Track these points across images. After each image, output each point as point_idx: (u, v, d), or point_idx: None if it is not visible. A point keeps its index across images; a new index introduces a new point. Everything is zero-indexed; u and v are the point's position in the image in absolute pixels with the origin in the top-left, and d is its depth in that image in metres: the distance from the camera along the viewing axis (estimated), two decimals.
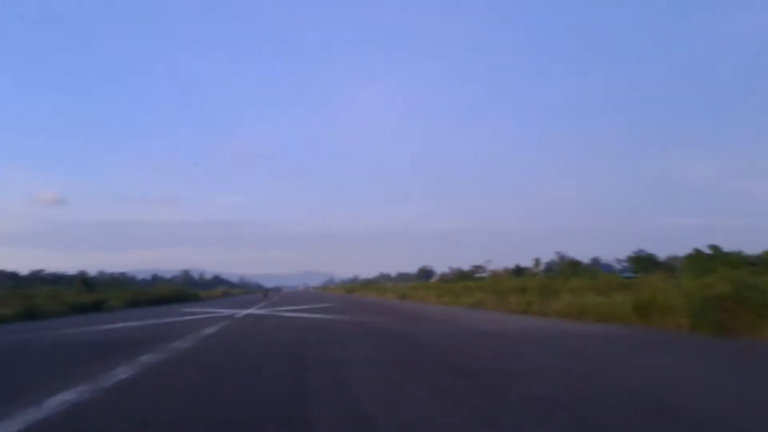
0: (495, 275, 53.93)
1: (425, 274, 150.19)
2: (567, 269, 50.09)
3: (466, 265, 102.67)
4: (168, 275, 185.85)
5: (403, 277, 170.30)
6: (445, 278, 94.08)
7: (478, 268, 79.95)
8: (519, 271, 66.35)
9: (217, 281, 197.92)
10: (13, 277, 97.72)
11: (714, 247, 23.04)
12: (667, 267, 28.58)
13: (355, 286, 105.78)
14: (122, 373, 6.73)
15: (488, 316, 17.31)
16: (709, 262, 24.33)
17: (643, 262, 38.08)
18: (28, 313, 23.35)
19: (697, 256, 23.15)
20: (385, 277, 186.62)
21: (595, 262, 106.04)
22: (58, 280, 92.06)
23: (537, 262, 68.48)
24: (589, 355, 7.76)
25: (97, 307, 30.33)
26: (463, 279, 59.06)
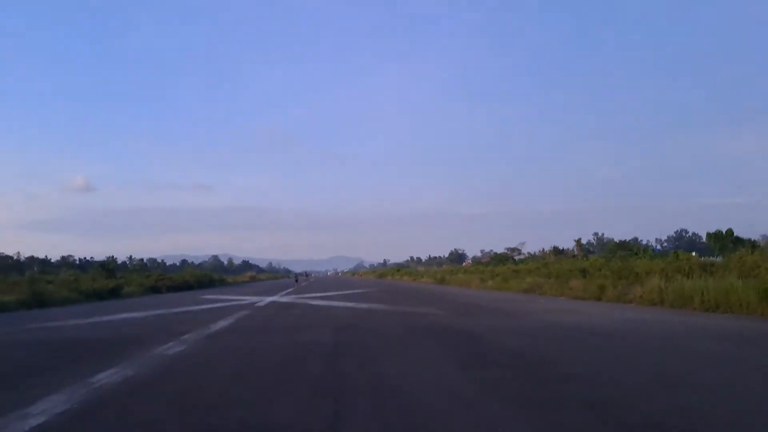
0: (541, 257, 50.61)
1: (457, 257, 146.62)
2: (615, 249, 46.41)
3: (497, 248, 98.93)
4: (198, 261, 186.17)
5: (434, 261, 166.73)
6: (479, 261, 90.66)
7: (513, 251, 76.24)
8: (558, 252, 62.58)
9: (246, 266, 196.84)
10: (43, 262, 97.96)
11: None
12: (751, 245, 25.15)
13: (386, 270, 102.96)
14: (40, 412, 4.00)
15: (558, 304, 14.27)
16: None
17: (721, 240, 34.05)
18: (34, 300, 21.17)
19: None
20: (415, 262, 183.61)
21: (635, 242, 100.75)
22: (86, 265, 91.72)
23: (578, 242, 64.54)
24: None
25: (114, 293, 28.23)
26: (501, 262, 55.68)
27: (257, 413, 3.87)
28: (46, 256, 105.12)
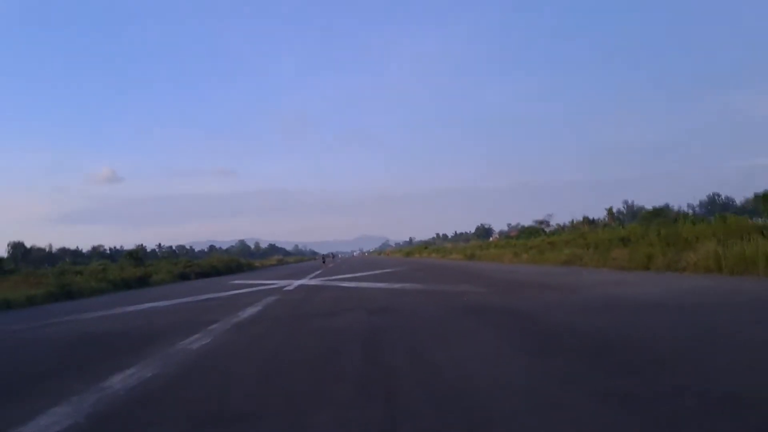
0: (572, 228, 49.24)
1: (484, 232, 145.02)
2: (649, 217, 44.78)
3: (524, 221, 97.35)
4: (225, 246, 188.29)
5: (461, 237, 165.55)
6: (507, 235, 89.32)
7: (541, 223, 74.65)
8: (589, 222, 60.85)
9: (272, 250, 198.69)
10: (74, 253, 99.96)
11: None
12: None
13: (413, 248, 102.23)
14: (39, 431, 3.37)
15: (604, 275, 13.34)
16: None
17: None
18: (62, 292, 21.04)
19: None
20: (441, 238, 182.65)
21: (668, 208, 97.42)
22: (116, 254, 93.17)
23: (610, 211, 62.70)
24: None
25: (142, 281, 28.13)
26: (531, 235, 54.40)
27: (292, 424, 3.15)
28: (77, 247, 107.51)
